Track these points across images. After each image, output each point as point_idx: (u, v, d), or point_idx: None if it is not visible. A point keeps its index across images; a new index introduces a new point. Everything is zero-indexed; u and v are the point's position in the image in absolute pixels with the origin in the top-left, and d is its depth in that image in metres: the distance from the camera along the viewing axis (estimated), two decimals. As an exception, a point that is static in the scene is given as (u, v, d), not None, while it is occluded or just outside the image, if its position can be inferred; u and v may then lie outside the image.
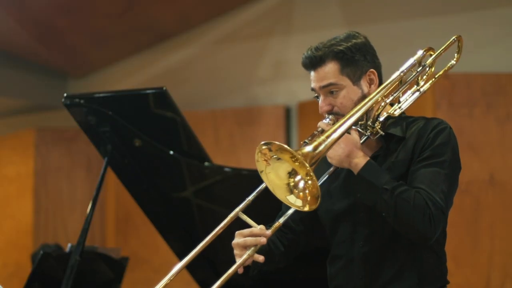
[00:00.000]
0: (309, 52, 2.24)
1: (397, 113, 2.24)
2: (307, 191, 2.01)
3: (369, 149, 2.26)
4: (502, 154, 4.77)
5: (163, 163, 3.47)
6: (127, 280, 3.92)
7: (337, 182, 2.29)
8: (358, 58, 2.23)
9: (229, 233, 3.57)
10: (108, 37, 6.33)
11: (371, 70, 2.26)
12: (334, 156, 2.14)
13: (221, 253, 3.69)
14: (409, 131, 2.22)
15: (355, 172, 2.13)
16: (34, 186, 6.40)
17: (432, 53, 2.35)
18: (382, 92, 2.19)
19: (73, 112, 3.38)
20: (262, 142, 2.01)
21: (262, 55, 6.10)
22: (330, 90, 2.21)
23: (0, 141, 6.84)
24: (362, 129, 2.19)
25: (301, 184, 2.02)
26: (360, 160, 2.13)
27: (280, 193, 2.05)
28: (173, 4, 6.00)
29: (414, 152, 2.18)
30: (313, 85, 2.25)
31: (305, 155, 1.97)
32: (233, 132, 5.86)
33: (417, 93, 2.31)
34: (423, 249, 2.21)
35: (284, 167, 2.03)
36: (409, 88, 2.33)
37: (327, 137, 2.03)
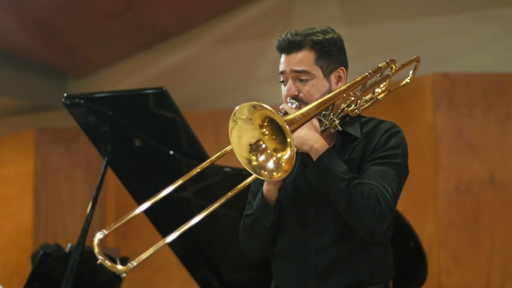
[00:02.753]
0: (288, 35, 2.27)
1: (355, 113, 2.30)
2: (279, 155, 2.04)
3: None
4: (502, 154, 4.77)
5: (163, 163, 3.47)
6: (127, 280, 3.92)
7: (289, 175, 2.30)
8: (333, 53, 2.28)
9: (229, 234, 3.57)
10: (108, 37, 6.33)
11: (342, 68, 2.31)
12: (296, 137, 2.14)
13: (220, 253, 3.69)
14: (363, 131, 2.27)
15: (315, 156, 2.14)
16: (34, 186, 6.41)
17: (393, 66, 2.42)
18: (351, 88, 2.25)
19: (73, 112, 3.38)
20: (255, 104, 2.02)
21: (262, 55, 6.10)
22: (300, 77, 2.25)
23: (0, 141, 6.84)
24: (323, 119, 2.23)
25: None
26: (321, 146, 2.15)
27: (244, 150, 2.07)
28: (173, 4, 6.00)
29: (365, 152, 2.22)
30: (284, 67, 2.27)
31: (287, 122, 1.99)
32: (233, 132, 5.85)
33: (374, 100, 2.39)
34: (372, 243, 2.23)
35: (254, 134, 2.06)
36: (368, 93, 2.41)
37: (303, 115, 2.06)
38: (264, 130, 2.06)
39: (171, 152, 3.41)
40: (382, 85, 2.42)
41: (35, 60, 6.59)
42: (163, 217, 3.65)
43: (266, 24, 6.08)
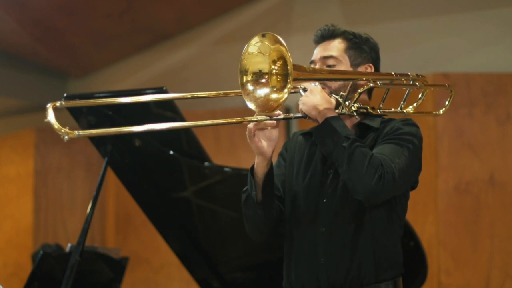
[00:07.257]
0: (323, 27, 2.35)
1: (375, 112, 2.31)
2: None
3: None
4: (502, 154, 4.78)
5: (163, 163, 3.47)
6: (127, 280, 3.92)
7: (303, 160, 2.33)
8: (364, 49, 2.34)
9: (229, 233, 3.57)
10: (108, 37, 6.33)
11: (370, 64, 2.35)
12: (307, 102, 2.19)
13: (220, 253, 3.69)
14: (381, 125, 2.31)
15: (322, 119, 2.17)
16: (34, 186, 6.40)
17: (424, 81, 2.43)
18: (371, 76, 2.27)
19: (73, 112, 3.38)
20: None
21: (262, 55, 6.10)
22: (327, 62, 2.30)
23: (0, 141, 6.84)
24: (341, 101, 2.25)
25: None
26: (330, 112, 2.18)
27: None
28: (173, 4, 6.00)
29: (379, 137, 2.25)
30: (314, 56, 2.33)
31: (296, 68, 2.04)
32: (233, 132, 5.86)
33: (399, 112, 2.41)
34: (383, 236, 2.24)
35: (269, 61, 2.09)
36: (397, 105, 2.42)
37: (314, 70, 2.14)
38: (273, 67, 2.08)
39: (171, 152, 3.41)
40: (415, 104, 2.44)
41: (35, 60, 6.59)
42: (163, 217, 3.65)
43: (266, 24, 6.08)
